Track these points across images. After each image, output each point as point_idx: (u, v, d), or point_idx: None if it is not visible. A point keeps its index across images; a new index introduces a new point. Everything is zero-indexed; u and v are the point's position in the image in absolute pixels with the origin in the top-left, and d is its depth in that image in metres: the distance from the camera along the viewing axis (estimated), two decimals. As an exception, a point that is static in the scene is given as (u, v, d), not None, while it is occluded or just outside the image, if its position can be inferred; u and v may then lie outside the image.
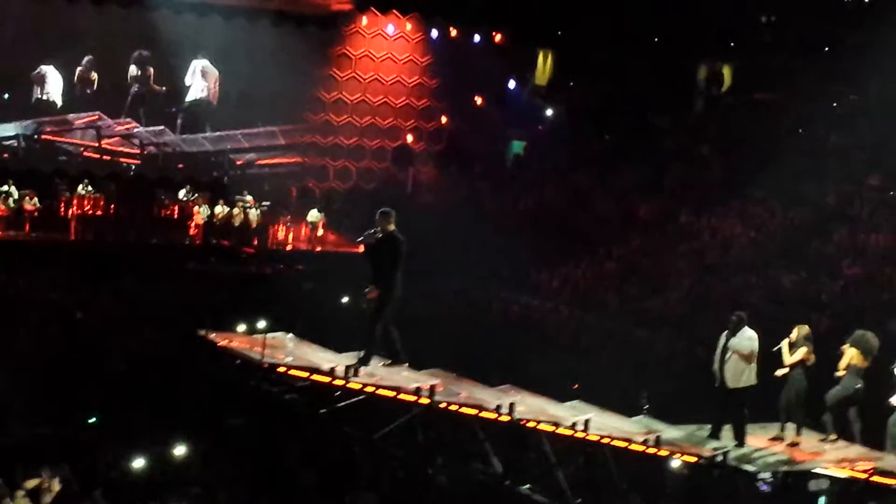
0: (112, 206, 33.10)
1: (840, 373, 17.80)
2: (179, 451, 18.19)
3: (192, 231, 33.28)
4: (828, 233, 29.46)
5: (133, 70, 35.40)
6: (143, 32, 34.27)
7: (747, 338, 17.07)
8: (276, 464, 18.03)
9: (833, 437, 17.76)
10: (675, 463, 16.78)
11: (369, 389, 15.73)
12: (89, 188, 32.92)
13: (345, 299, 25.78)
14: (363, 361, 16.26)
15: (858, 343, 17.84)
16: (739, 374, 17.02)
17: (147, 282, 27.42)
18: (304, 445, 18.67)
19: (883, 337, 18.69)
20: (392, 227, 16.25)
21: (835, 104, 34.46)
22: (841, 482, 16.73)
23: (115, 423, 19.62)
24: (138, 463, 17.32)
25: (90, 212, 32.67)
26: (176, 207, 33.79)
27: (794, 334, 17.78)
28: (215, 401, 19.72)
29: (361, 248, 16.64)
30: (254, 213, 34.01)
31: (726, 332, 17.20)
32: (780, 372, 17.69)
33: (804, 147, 32.94)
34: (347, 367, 15.91)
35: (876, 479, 16.50)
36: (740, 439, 17.10)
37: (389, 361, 16.56)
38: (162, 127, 35.80)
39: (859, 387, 17.71)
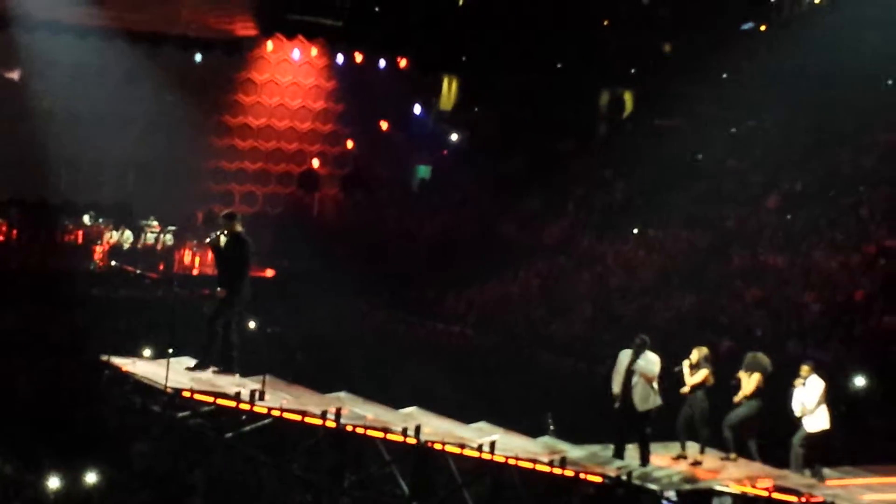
0: (14, 231, 32.64)
1: (738, 398, 18.11)
2: (83, 478, 18.00)
3: (96, 256, 32.92)
4: (728, 255, 29.92)
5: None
6: (47, 57, 33.89)
7: (651, 361, 17.31)
8: (181, 489, 17.92)
9: (734, 455, 18.03)
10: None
11: (275, 413, 15.76)
12: (-10, 214, 32.49)
13: (251, 324, 25.67)
14: (201, 365, 16.45)
15: (753, 367, 18.17)
16: (647, 396, 17.25)
17: (51, 308, 27.07)
18: (211, 471, 18.55)
19: (781, 357, 19.02)
20: (238, 228, 16.36)
21: (732, 129, 35.08)
22: (743, 499, 16.98)
23: (16, 450, 19.36)
24: (40, 491, 17.11)
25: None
26: (80, 232, 33.41)
27: (694, 356, 18.07)
28: (120, 427, 19.52)
29: (210, 252, 16.58)
30: (160, 238, 33.73)
31: (625, 353, 17.42)
32: (684, 390, 17.97)
33: (703, 171, 33.53)
34: (252, 391, 15.92)
35: (777, 495, 16.77)
36: (645, 459, 17.28)
37: (219, 369, 16.68)
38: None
39: (761, 406, 18.06)
